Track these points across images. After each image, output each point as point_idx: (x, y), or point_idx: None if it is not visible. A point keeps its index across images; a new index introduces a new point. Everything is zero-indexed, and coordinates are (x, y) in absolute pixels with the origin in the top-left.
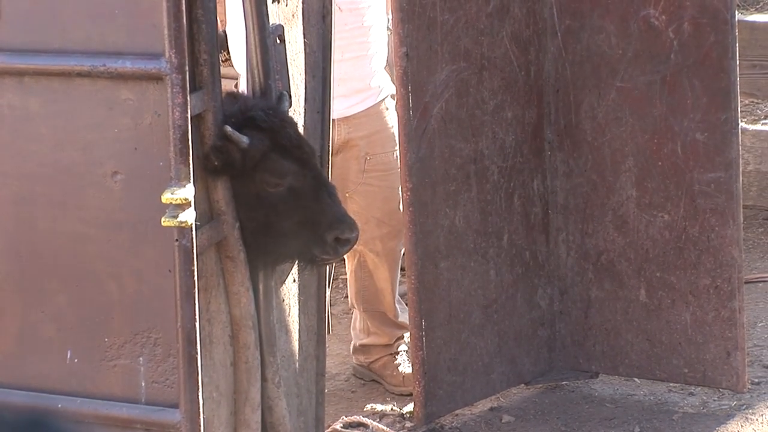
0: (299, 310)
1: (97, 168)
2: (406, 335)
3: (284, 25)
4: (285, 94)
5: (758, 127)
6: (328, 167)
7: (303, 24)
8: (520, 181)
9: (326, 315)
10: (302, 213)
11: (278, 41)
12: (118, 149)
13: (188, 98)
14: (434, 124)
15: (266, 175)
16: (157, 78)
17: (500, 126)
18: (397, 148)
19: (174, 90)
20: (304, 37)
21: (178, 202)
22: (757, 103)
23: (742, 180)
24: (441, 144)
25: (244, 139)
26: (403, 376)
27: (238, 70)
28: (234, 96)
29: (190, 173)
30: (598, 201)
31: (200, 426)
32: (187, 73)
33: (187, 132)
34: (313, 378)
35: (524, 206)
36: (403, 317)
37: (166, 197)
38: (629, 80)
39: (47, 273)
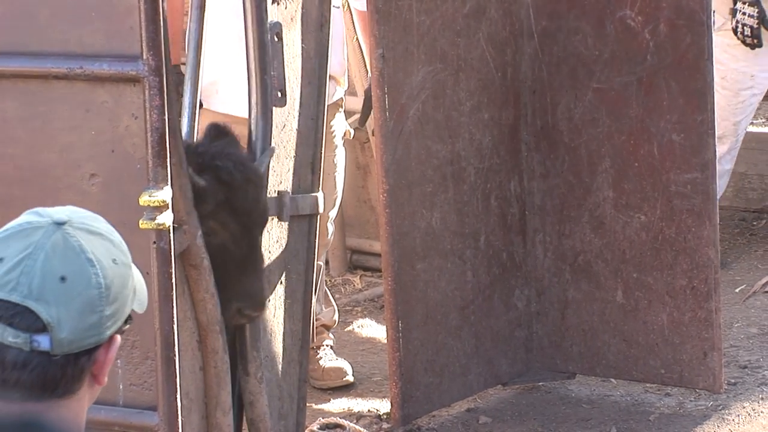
0: (285, 313)
1: (75, 170)
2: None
3: (283, 27)
4: (273, 149)
5: None
6: (320, 174)
7: (301, 29)
8: (497, 182)
9: (311, 321)
10: (223, 273)
11: (276, 39)
12: (96, 152)
13: (165, 101)
14: (411, 126)
15: (209, 222)
16: (134, 80)
17: (477, 127)
18: (339, 151)
19: (151, 92)
20: (302, 42)
21: (156, 204)
22: None
23: (718, 181)
24: (417, 145)
25: (201, 182)
26: (323, 370)
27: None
28: (221, 132)
29: (167, 176)
30: (575, 202)
31: (179, 428)
32: (165, 75)
33: (165, 134)
34: (296, 384)
35: (501, 207)
36: (325, 316)
37: (144, 200)
38: (606, 81)
39: None
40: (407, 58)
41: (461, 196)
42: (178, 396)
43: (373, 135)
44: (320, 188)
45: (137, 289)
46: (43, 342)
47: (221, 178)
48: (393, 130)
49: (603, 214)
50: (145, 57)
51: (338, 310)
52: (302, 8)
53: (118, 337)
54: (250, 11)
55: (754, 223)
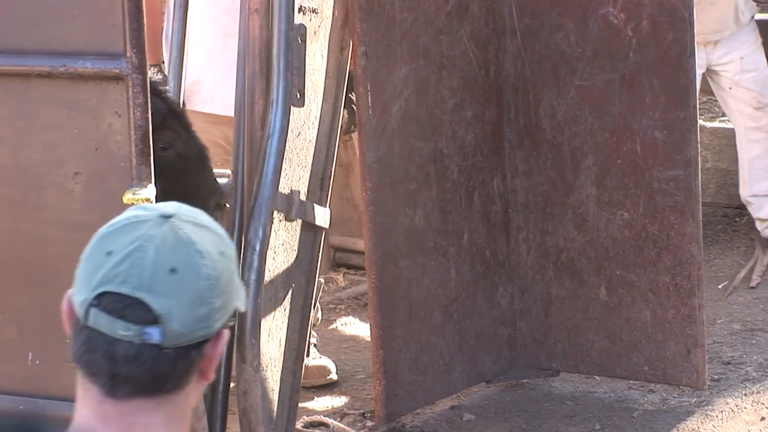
0: (284, 320)
1: (58, 168)
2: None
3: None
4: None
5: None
6: (328, 191)
7: (326, 46)
8: (480, 179)
9: (308, 333)
10: (192, 178)
11: (299, 41)
12: (79, 150)
13: (149, 98)
14: (394, 123)
15: (166, 133)
16: (117, 78)
17: (460, 125)
18: None
19: (135, 90)
20: (326, 60)
21: (140, 202)
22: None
23: (701, 177)
24: (400, 143)
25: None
26: (307, 368)
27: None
28: None
29: (151, 173)
30: (558, 199)
31: None
32: (148, 73)
33: (148, 132)
34: (288, 392)
35: (484, 205)
36: None
37: (128, 197)
38: (588, 78)
39: (7, 274)
40: (390, 56)
41: (444, 194)
42: None
43: (355, 133)
44: (328, 204)
45: (239, 285)
46: (154, 334)
47: (159, 92)
48: (376, 128)
49: (586, 212)
50: (128, 55)
51: (321, 308)
52: (326, 27)
53: (226, 332)
54: (278, 7)
55: (737, 219)
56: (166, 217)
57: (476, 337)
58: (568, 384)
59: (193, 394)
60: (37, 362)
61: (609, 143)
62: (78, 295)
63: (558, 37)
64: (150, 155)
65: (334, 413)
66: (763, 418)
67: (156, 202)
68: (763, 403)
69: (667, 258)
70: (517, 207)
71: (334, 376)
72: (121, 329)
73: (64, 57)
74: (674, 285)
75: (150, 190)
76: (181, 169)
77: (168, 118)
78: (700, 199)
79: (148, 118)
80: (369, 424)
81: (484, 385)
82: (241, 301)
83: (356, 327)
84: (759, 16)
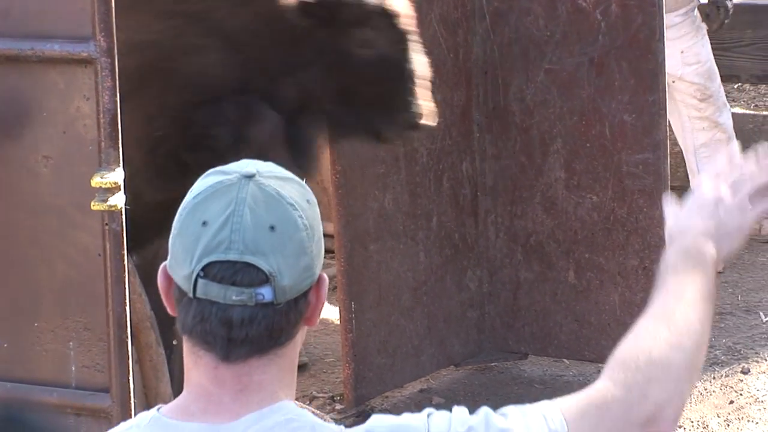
0: None
1: (27, 152)
2: None
3: None
4: None
5: None
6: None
7: None
8: (449, 163)
9: None
10: (380, 86)
11: None
12: (47, 133)
13: (117, 82)
14: None
15: (365, 31)
16: (86, 62)
17: None
18: None
19: (103, 74)
20: None
21: (108, 186)
22: None
23: (670, 161)
24: None
25: None
26: None
27: None
28: None
29: (119, 157)
30: (527, 183)
31: (131, 410)
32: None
33: (117, 116)
34: None
35: (453, 188)
36: None
37: (96, 181)
38: (557, 62)
39: None
40: None
41: (413, 177)
42: (131, 377)
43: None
44: None
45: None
46: (266, 294)
47: None
48: None
49: (555, 195)
50: (97, 38)
51: None
52: None
53: (325, 275)
54: None
55: None
56: (249, 176)
57: (445, 320)
58: (537, 367)
59: (299, 341)
60: (6, 346)
61: (578, 127)
62: (179, 269)
63: (527, 20)
64: (119, 139)
65: (303, 396)
66: (731, 402)
67: (342, 100)
68: (732, 387)
69: (636, 241)
70: (486, 190)
71: (303, 359)
72: (233, 295)
73: (32, 40)
74: (643, 268)
75: (118, 174)
76: (376, 73)
77: (373, 16)
78: (669, 182)
79: (116, 101)
80: (338, 407)
81: (452, 368)
82: (316, 246)
83: (325, 310)
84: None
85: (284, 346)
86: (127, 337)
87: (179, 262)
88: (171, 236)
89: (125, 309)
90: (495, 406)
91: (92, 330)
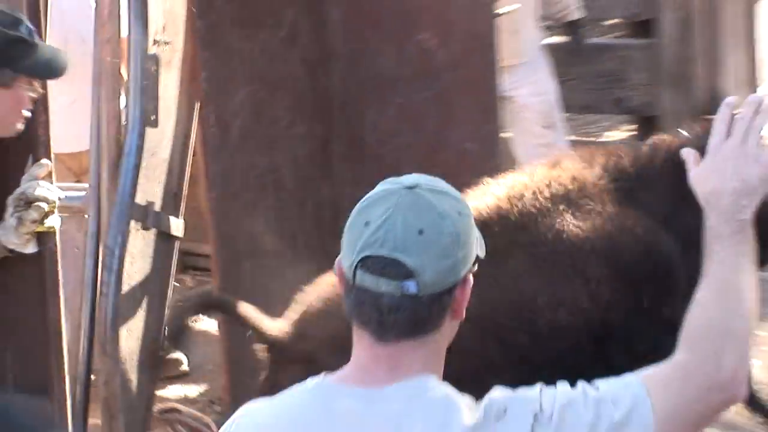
0: (143, 318)
1: None
2: None
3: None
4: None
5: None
6: (182, 204)
7: (179, 77)
8: (312, 188)
9: (162, 329)
10: None
11: (153, 70)
12: None
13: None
14: (234, 140)
15: None
16: None
17: (293, 140)
18: None
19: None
20: (178, 90)
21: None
22: None
23: None
24: (241, 157)
25: None
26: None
27: None
28: None
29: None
30: None
31: (68, 412)
32: None
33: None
34: (145, 383)
35: (316, 212)
36: None
37: None
38: (407, 97)
39: None
40: (229, 80)
41: (281, 203)
42: (67, 380)
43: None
44: (181, 216)
45: (479, 237)
46: (411, 286)
47: None
48: (219, 144)
49: None
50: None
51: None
52: (178, 58)
53: (470, 277)
54: (134, 40)
55: None
56: (410, 187)
57: None
58: None
59: (448, 332)
60: None
61: (426, 154)
62: (346, 260)
63: (379, 60)
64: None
65: (185, 401)
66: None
67: None
68: None
69: None
70: (346, 213)
71: (186, 368)
72: (383, 285)
73: None
74: None
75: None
76: None
77: None
78: None
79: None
80: (217, 409)
81: None
82: (481, 250)
83: (205, 323)
84: (550, 40)
85: (430, 333)
86: (62, 343)
87: (346, 255)
88: (344, 232)
89: (60, 317)
90: None
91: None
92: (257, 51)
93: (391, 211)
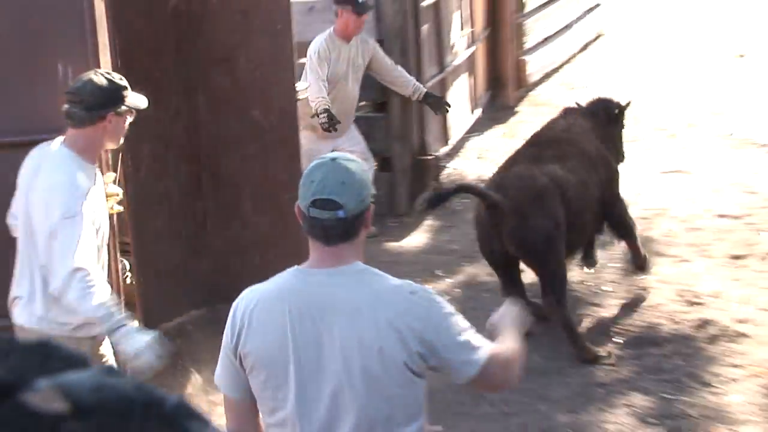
0: None
1: None
2: None
3: None
4: None
5: None
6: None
7: None
8: (189, 203)
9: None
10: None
11: None
12: None
13: None
14: (142, 174)
15: None
16: None
17: (179, 173)
18: None
19: None
20: None
21: None
22: None
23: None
24: (148, 184)
25: None
26: None
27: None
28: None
29: None
30: None
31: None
32: None
33: None
34: None
35: (193, 216)
36: None
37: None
38: (245, 148)
39: None
40: (138, 138)
41: (171, 211)
42: None
43: None
44: None
45: (371, 184)
46: (341, 213)
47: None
48: (133, 177)
49: None
50: None
51: None
52: None
53: (372, 205)
54: None
55: None
56: (333, 159)
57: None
58: None
59: (363, 236)
60: None
61: (255, 185)
62: (302, 202)
63: (230, 125)
64: None
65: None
66: None
67: None
68: None
69: None
70: (212, 217)
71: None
72: (326, 214)
73: None
74: None
75: None
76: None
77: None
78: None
79: None
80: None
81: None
82: (372, 190)
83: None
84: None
85: (355, 238)
86: None
87: (301, 199)
88: (299, 187)
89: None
90: None
91: None
92: (154, 119)
93: (325, 172)
